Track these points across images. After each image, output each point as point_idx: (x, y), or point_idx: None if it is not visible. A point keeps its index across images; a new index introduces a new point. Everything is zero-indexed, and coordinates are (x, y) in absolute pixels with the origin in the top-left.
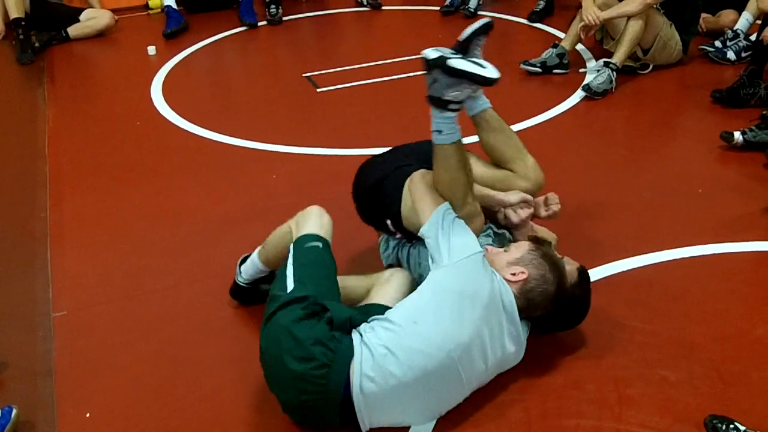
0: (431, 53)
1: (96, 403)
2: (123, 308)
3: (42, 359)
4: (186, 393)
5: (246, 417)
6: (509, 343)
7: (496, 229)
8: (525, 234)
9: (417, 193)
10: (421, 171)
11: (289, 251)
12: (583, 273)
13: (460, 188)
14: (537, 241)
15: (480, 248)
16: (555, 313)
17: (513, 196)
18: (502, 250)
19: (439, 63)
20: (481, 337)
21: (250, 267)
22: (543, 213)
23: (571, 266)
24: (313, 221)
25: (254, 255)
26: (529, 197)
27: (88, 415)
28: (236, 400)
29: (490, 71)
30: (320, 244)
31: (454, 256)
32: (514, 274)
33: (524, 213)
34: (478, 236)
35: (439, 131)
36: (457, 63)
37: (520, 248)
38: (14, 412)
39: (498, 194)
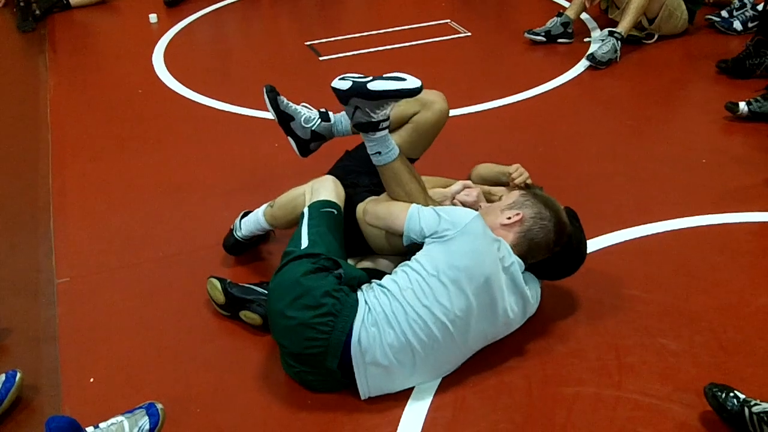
0: (341, 84)
1: (99, 368)
2: (125, 275)
3: (46, 325)
4: (188, 359)
5: (248, 384)
6: (514, 304)
7: None
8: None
9: (379, 216)
10: (368, 201)
11: (303, 213)
12: (570, 211)
13: (420, 197)
14: (526, 187)
15: (474, 213)
16: (560, 254)
17: (455, 186)
18: (494, 203)
19: (356, 91)
20: (480, 306)
21: (252, 223)
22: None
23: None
24: (329, 189)
25: (259, 212)
26: (468, 182)
27: (91, 380)
28: (238, 367)
29: (412, 81)
30: (335, 211)
31: (452, 228)
32: (509, 218)
33: (474, 193)
34: None
35: (379, 152)
36: (377, 85)
37: (512, 195)
38: (18, 375)
39: (442, 191)
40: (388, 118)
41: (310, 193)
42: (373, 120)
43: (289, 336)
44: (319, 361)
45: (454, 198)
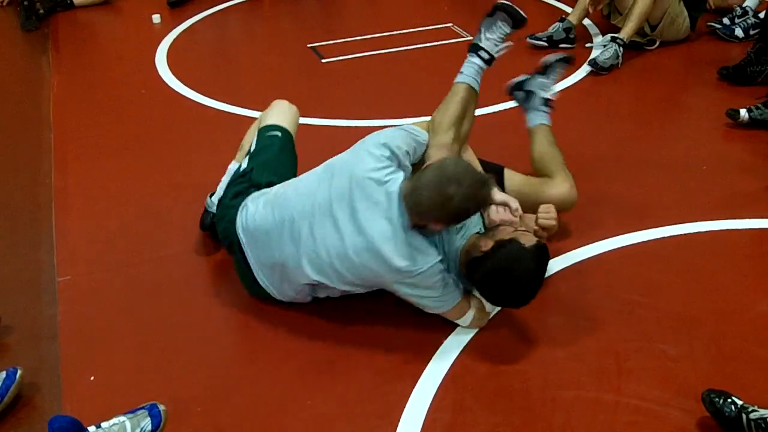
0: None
1: (100, 366)
2: (126, 274)
3: (47, 323)
4: (188, 358)
5: (249, 384)
6: (372, 224)
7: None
8: (499, 232)
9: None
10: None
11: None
12: (540, 247)
13: (448, 117)
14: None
15: (388, 143)
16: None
17: (498, 195)
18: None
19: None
20: (330, 203)
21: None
22: (533, 226)
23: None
24: (277, 112)
25: (231, 164)
26: (512, 201)
27: (92, 378)
28: (239, 366)
29: (523, 13)
30: (279, 134)
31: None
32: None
33: (498, 216)
34: None
35: (462, 71)
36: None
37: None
38: (19, 372)
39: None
40: (491, 54)
41: (259, 121)
42: (479, 44)
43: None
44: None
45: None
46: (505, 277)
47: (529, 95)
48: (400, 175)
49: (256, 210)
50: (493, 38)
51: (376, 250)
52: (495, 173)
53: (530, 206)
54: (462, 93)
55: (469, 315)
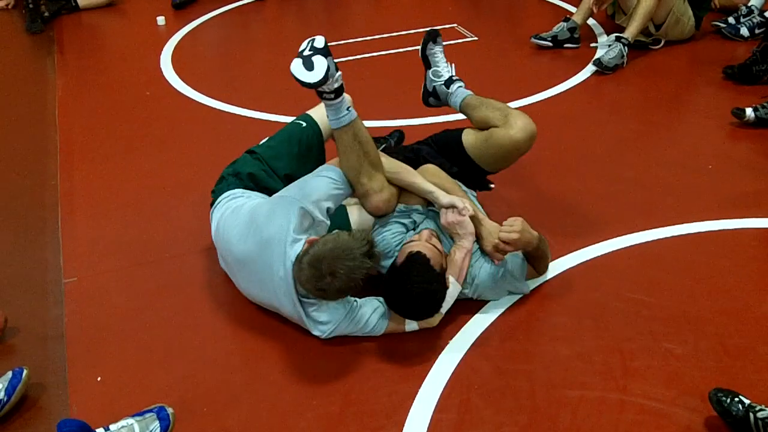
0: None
1: (106, 367)
2: (132, 275)
3: (53, 324)
4: (194, 358)
5: (254, 384)
6: (280, 294)
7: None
8: (464, 236)
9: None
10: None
11: None
12: (410, 259)
13: (350, 172)
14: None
15: (305, 205)
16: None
17: (444, 199)
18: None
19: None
20: (252, 261)
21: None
22: (488, 247)
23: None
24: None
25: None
26: (458, 201)
27: (99, 378)
28: (245, 367)
29: (310, 76)
30: (304, 124)
31: (285, 194)
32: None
33: (446, 219)
34: (379, 214)
35: (328, 116)
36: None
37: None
38: (25, 372)
39: (437, 193)
40: (329, 92)
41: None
42: (318, 89)
43: None
44: None
45: (447, 209)
46: (390, 296)
47: (436, 91)
48: (299, 246)
49: (217, 219)
50: (334, 77)
51: (288, 314)
52: (454, 139)
53: (500, 158)
54: (344, 140)
55: (411, 323)
